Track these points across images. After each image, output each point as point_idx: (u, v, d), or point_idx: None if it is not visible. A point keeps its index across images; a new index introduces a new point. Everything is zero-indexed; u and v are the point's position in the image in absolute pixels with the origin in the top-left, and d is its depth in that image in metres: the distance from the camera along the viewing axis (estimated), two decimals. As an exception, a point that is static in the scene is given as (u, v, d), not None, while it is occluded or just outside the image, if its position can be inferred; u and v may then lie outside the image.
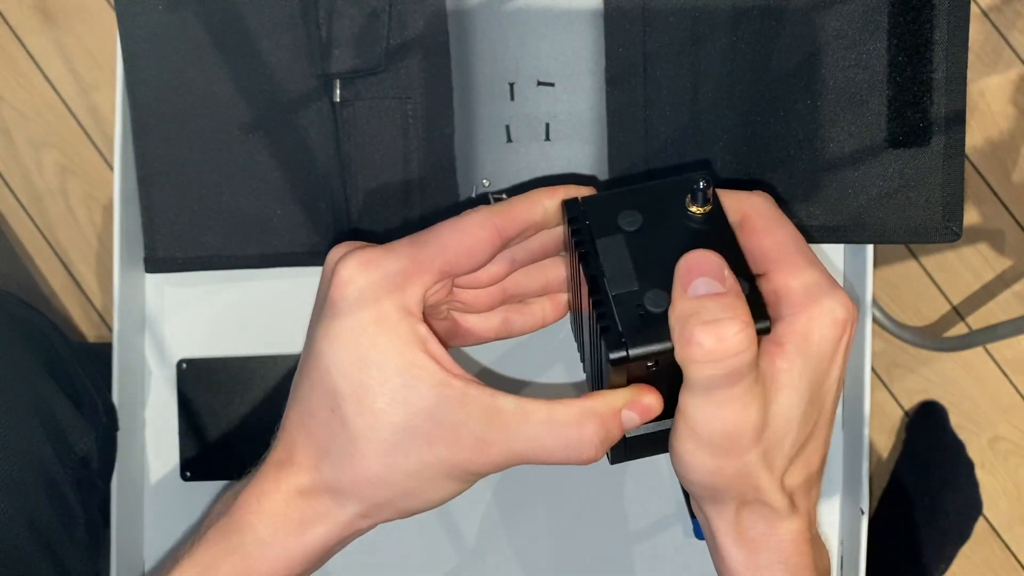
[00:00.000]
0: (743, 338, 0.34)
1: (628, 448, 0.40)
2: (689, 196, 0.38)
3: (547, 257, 0.43)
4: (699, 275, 0.35)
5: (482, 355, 0.51)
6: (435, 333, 0.38)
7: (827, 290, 0.37)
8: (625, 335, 0.36)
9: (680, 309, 0.35)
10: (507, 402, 0.37)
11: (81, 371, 0.51)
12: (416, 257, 0.38)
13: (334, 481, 0.38)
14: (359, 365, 0.37)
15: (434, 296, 0.39)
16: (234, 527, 0.38)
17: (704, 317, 0.34)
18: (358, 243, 0.39)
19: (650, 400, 0.38)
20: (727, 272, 0.36)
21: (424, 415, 0.37)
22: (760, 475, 0.36)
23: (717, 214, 0.38)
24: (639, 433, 0.39)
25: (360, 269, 0.37)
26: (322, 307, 0.38)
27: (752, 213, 0.39)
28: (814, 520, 0.39)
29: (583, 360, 0.44)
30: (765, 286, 0.38)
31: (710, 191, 0.38)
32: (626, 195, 0.39)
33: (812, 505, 0.39)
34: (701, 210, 0.38)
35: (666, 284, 0.37)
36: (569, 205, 0.40)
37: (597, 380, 0.40)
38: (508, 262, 0.41)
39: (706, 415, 0.35)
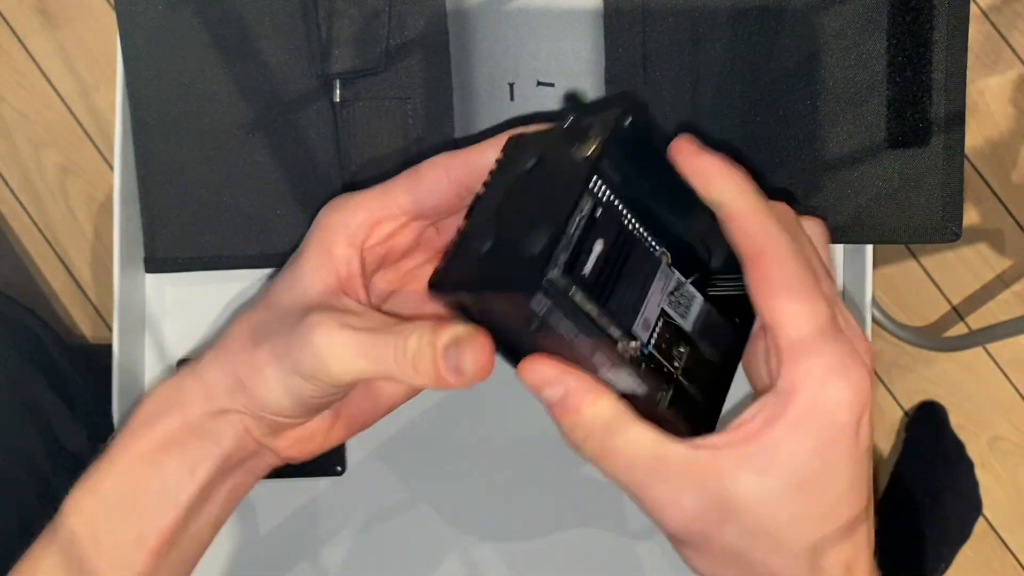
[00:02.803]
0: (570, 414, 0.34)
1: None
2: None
3: None
4: (544, 386, 0.35)
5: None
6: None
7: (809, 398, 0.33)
8: (440, 272, 0.36)
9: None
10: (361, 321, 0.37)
11: (74, 371, 0.51)
12: (372, 194, 0.40)
13: (214, 350, 0.40)
14: (290, 260, 0.40)
15: (397, 234, 0.40)
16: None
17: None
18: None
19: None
20: (566, 380, 0.34)
21: (297, 306, 0.38)
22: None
23: (599, 159, 0.33)
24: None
25: (335, 200, 0.41)
26: None
27: (758, 238, 0.34)
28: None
29: None
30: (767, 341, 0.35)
31: (584, 124, 0.33)
32: (552, 131, 0.36)
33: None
34: (581, 154, 0.33)
35: (506, 227, 0.34)
36: (508, 142, 0.38)
37: None
38: None
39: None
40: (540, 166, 0.34)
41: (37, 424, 0.47)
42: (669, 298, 0.35)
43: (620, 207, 0.33)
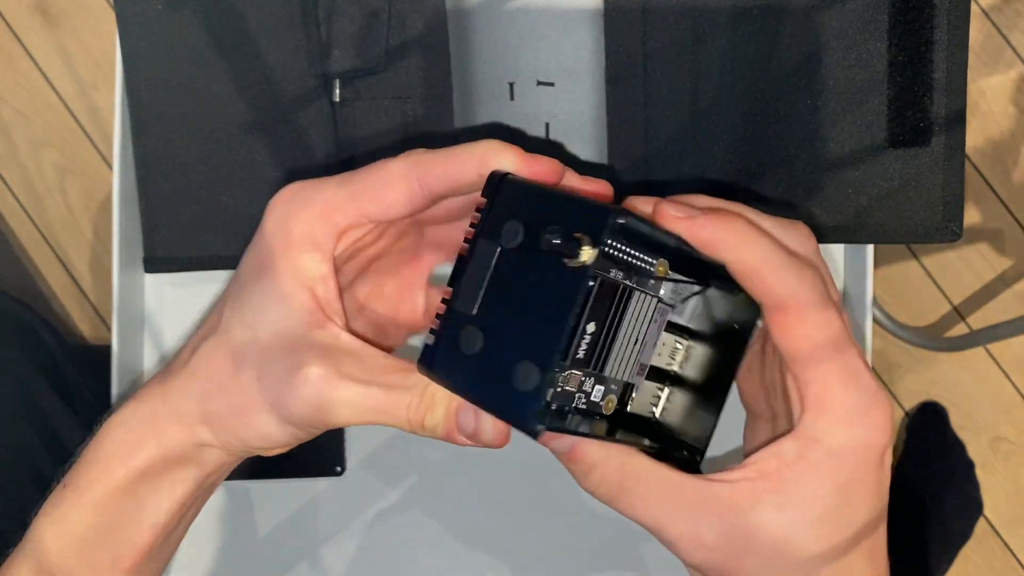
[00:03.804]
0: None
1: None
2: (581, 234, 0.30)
3: None
4: (551, 439, 0.35)
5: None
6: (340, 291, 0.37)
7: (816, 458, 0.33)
8: (430, 354, 0.34)
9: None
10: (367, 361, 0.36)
11: (75, 370, 0.51)
12: (336, 198, 0.37)
13: (187, 379, 0.37)
14: (256, 273, 0.37)
15: (364, 238, 0.38)
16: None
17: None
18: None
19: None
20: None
21: (280, 339, 0.36)
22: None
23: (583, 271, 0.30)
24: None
25: (288, 197, 0.38)
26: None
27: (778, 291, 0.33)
28: None
29: None
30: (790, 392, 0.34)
31: (587, 241, 0.30)
32: (540, 196, 0.33)
33: None
34: (574, 263, 0.30)
35: (494, 325, 0.32)
36: (490, 181, 0.34)
37: None
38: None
39: None
40: (529, 252, 0.31)
41: (38, 423, 0.47)
42: (662, 333, 0.36)
43: (614, 276, 0.32)
